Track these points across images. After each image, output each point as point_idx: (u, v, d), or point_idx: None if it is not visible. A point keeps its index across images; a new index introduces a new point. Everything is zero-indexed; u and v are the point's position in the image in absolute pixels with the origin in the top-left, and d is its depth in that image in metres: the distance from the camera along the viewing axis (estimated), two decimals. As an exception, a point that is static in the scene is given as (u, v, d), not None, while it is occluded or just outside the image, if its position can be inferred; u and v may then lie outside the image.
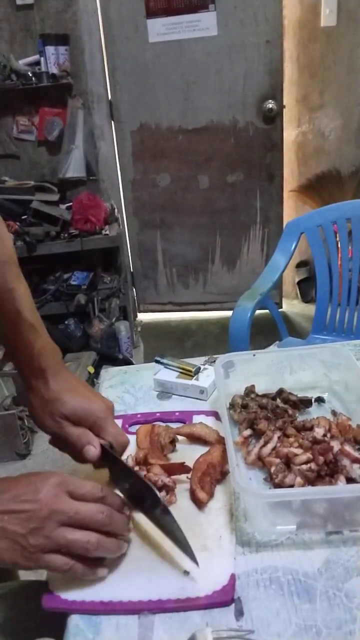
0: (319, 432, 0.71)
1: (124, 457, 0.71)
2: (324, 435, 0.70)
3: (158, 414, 0.87)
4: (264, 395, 0.83)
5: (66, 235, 2.58)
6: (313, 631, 0.52)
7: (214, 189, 3.00)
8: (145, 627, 0.54)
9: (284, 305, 3.19)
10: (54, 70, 2.54)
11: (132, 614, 0.55)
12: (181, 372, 0.93)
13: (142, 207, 3.09)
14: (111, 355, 2.62)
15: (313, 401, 0.83)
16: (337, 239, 1.73)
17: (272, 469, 0.67)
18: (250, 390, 0.84)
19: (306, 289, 3.17)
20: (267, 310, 1.78)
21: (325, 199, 2.81)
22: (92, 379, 2.34)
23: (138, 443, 0.77)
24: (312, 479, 0.65)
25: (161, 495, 0.65)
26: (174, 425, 0.82)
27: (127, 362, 2.62)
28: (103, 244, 2.61)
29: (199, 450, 0.75)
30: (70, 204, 2.69)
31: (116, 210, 2.79)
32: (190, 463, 0.71)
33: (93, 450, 0.65)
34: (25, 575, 0.88)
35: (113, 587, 0.58)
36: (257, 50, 2.66)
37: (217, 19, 2.62)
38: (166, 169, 2.99)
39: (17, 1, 2.49)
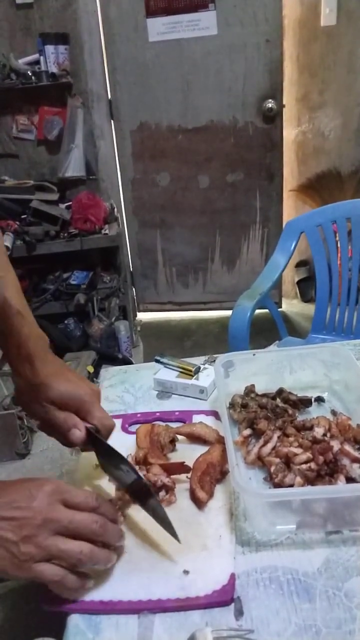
0: (318, 431, 0.71)
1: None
2: (324, 434, 0.71)
3: (158, 414, 0.87)
4: (263, 395, 0.83)
5: (66, 234, 2.57)
6: (313, 631, 0.52)
7: (213, 188, 2.99)
8: (145, 627, 0.54)
9: (283, 305, 3.19)
10: (53, 69, 2.54)
11: (132, 613, 0.55)
12: (181, 372, 0.93)
13: (141, 206, 3.09)
14: (111, 354, 2.61)
15: (313, 401, 0.83)
16: (337, 238, 1.73)
17: (272, 469, 0.67)
18: (250, 390, 0.84)
19: (306, 288, 3.16)
20: (266, 310, 1.78)
21: (325, 199, 2.81)
22: (92, 379, 2.34)
23: (138, 442, 0.77)
24: (312, 479, 0.65)
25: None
26: (174, 425, 0.82)
27: (127, 361, 2.61)
28: (103, 243, 2.61)
29: (199, 449, 0.75)
30: (70, 203, 2.68)
31: (116, 209, 2.78)
32: (190, 463, 0.71)
33: (78, 433, 0.65)
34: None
35: (113, 586, 0.58)
36: (257, 49, 2.66)
37: (217, 18, 2.62)
38: (166, 169, 2.98)
39: (16, 0, 2.48)
